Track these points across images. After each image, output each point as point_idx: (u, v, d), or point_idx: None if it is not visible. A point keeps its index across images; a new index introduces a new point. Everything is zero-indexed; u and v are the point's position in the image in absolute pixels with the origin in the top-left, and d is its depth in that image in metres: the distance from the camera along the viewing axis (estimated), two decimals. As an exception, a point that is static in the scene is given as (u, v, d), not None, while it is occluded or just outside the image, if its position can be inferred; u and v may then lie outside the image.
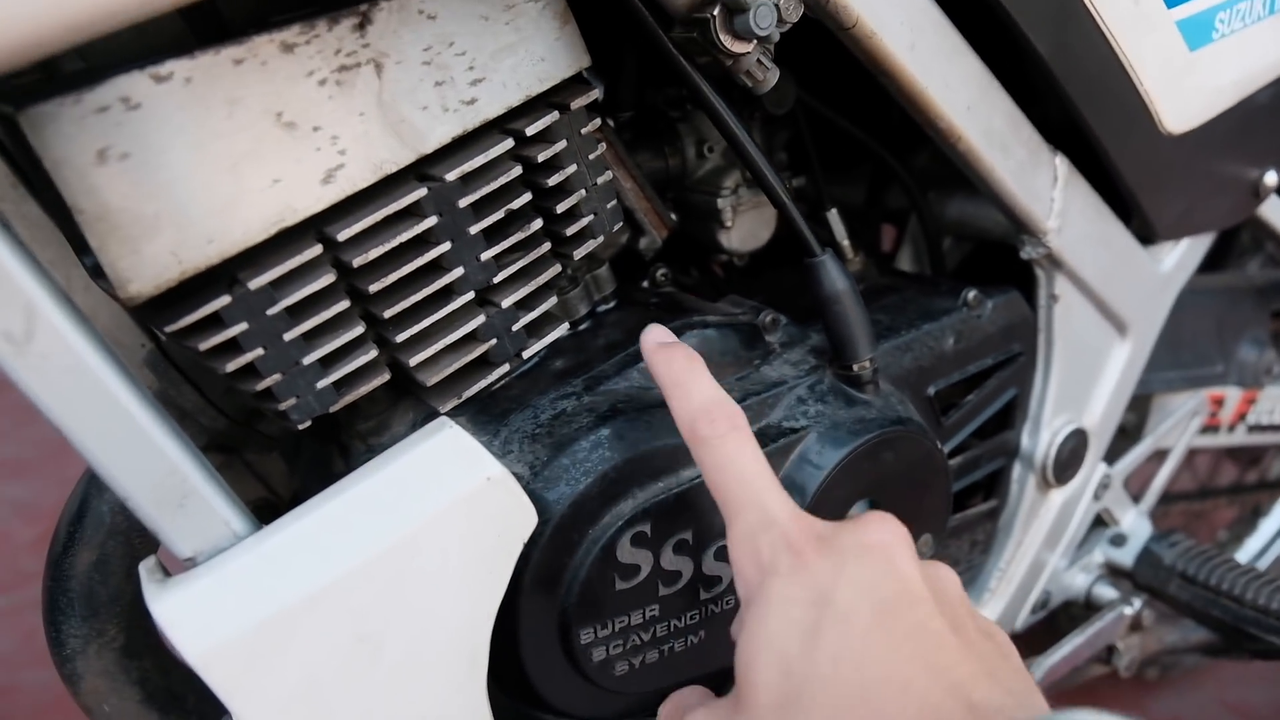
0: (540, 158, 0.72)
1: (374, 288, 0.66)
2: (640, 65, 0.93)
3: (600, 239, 0.78)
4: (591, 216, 0.77)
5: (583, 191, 0.75)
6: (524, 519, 0.69)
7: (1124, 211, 1.03)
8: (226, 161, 0.60)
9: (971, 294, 0.94)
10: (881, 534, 0.58)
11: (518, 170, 0.71)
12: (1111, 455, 1.20)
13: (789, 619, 0.55)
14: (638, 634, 0.76)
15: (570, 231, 0.76)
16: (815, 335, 0.87)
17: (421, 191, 0.67)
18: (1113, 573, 1.25)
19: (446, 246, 0.69)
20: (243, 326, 0.62)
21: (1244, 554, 1.58)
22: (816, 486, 0.78)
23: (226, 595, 0.61)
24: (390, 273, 0.67)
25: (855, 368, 0.83)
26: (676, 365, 0.68)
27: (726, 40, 0.70)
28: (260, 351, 0.63)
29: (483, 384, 0.75)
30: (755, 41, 0.71)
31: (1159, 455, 1.36)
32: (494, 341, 0.74)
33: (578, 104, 0.73)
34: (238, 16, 0.66)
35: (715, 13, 0.69)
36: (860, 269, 1.06)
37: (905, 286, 0.99)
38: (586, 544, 0.73)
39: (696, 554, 0.76)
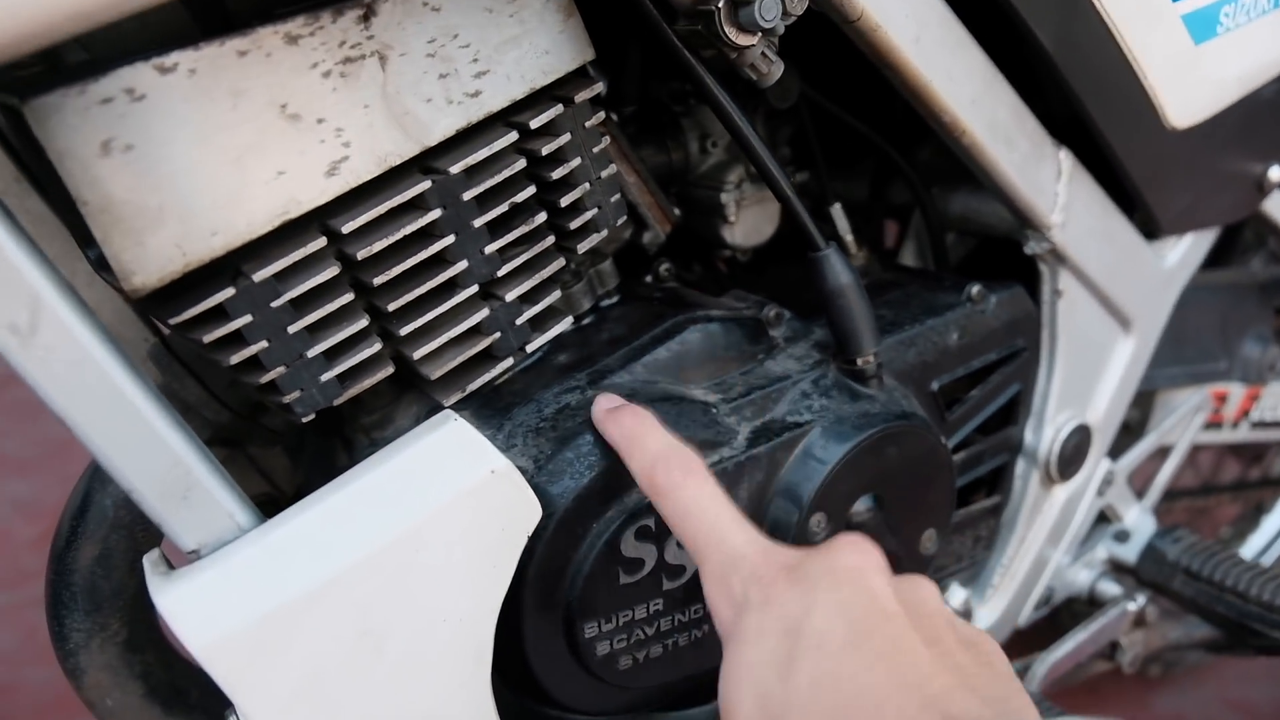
0: (544, 151, 0.72)
1: (378, 281, 0.66)
2: (643, 59, 0.92)
3: (604, 233, 0.78)
4: (595, 210, 0.76)
5: (586, 185, 0.75)
6: (528, 512, 0.69)
7: (1128, 206, 1.03)
8: (231, 153, 0.59)
9: (975, 289, 0.94)
10: (850, 557, 0.58)
11: (522, 163, 0.71)
12: (1115, 451, 1.20)
13: (764, 650, 0.55)
14: (641, 628, 0.76)
15: (574, 225, 0.76)
16: (819, 330, 0.87)
17: (425, 184, 0.67)
18: (1116, 569, 1.25)
19: (450, 240, 0.69)
20: (247, 319, 0.61)
21: (1247, 551, 1.57)
22: (821, 481, 0.78)
23: (231, 588, 0.60)
24: (394, 266, 0.66)
25: (859, 362, 0.83)
26: (626, 423, 0.69)
27: (731, 33, 0.70)
28: (264, 344, 0.63)
29: (486, 378, 0.75)
30: (760, 34, 0.71)
31: (1162, 451, 1.35)
32: (498, 335, 0.74)
33: (581, 97, 0.73)
34: (242, 8, 0.65)
35: (720, 5, 0.69)
36: (863, 264, 1.06)
37: (909, 281, 0.99)
38: (590, 538, 0.73)
39: (701, 548, 0.76)
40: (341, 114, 0.63)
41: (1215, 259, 1.26)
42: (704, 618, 0.78)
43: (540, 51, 0.71)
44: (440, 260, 0.70)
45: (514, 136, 0.71)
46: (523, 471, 0.70)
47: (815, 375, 0.83)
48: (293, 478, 0.90)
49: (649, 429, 0.68)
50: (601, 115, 0.76)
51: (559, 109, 0.72)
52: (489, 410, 0.75)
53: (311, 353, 0.65)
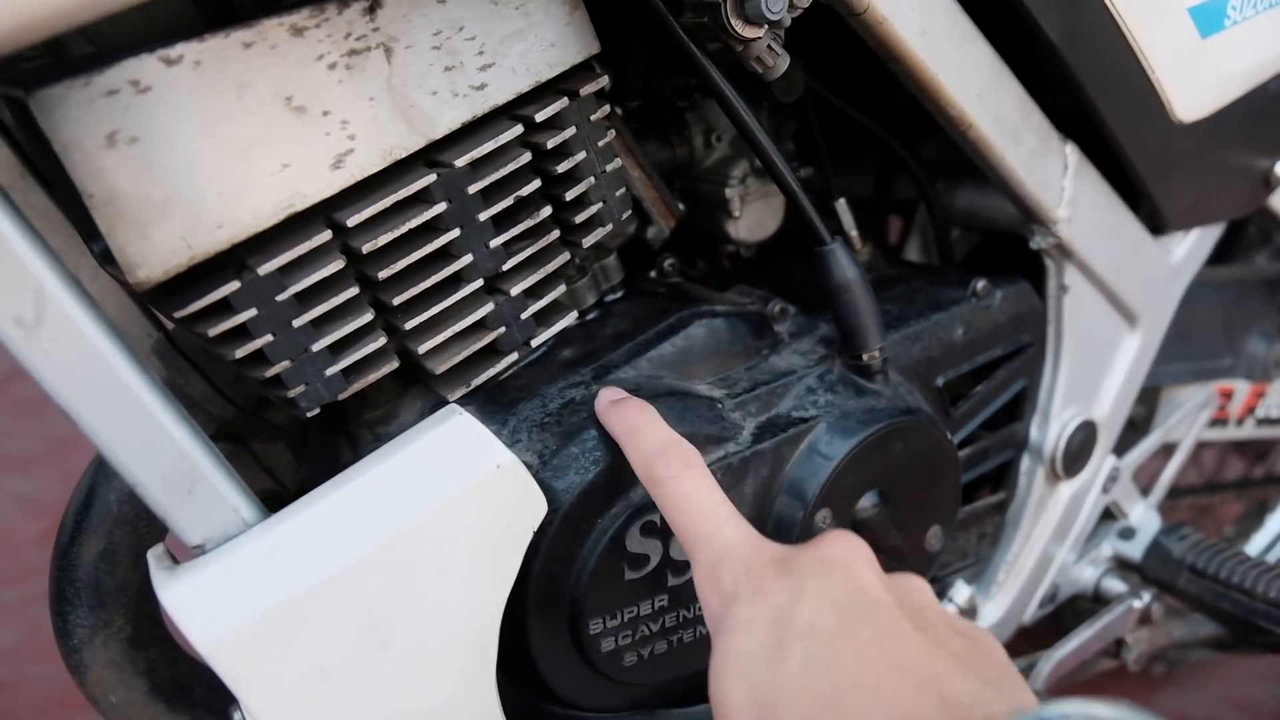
0: (549, 144, 0.71)
1: (383, 274, 0.66)
2: (648, 54, 0.92)
3: (609, 227, 0.78)
4: (600, 204, 0.76)
5: (591, 179, 0.75)
6: (534, 507, 0.69)
7: (1134, 201, 1.03)
8: (236, 146, 0.59)
9: (980, 284, 0.94)
10: (839, 550, 0.59)
11: (527, 157, 0.71)
12: (1120, 448, 1.20)
13: (754, 640, 0.55)
14: (647, 624, 0.76)
15: (579, 219, 0.76)
16: (824, 325, 0.86)
17: (431, 177, 0.66)
18: (1121, 566, 1.25)
19: (456, 233, 0.69)
20: (252, 313, 0.61)
21: (1251, 549, 1.57)
22: (826, 477, 0.78)
23: (235, 583, 0.60)
24: (399, 259, 0.66)
25: (865, 357, 0.82)
26: (629, 415, 0.70)
27: (737, 25, 0.70)
28: (269, 338, 0.62)
29: (491, 372, 0.75)
30: (766, 26, 0.71)
31: (1167, 448, 1.35)
32: (502, 329, 0.74)
33: (587, 91, 0.73)
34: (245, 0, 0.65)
35: (726, -3, 0.69)
36: (868, 259, 1.06)
37: (914, 277, 0.99)
38: (595, 533, 0.72)
39: (706, 544, 0.76)
40: (347, 106, 0.63)
41: (1220, 255, 1.26)
42: (709, 613, 0.78)
43: (546, 44, 0.70)
44: (445, 254, 0.69)
45: (519, 130, 0.70)
46: (528, 466, 0.69)
47: (820, 370, 0.83)
48: (296, 473, 0.90)
49: (650, 422, 0.69)
50: (607, 109, 0.75)
51: (564, 102, 0.72)
52: (493, 405, 0.75)
53: (316, 347, 0.64)
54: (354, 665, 0.64)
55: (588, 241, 0.77)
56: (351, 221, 0.63)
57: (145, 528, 0.76)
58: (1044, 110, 0.92)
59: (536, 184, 0.73)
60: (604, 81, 0.74)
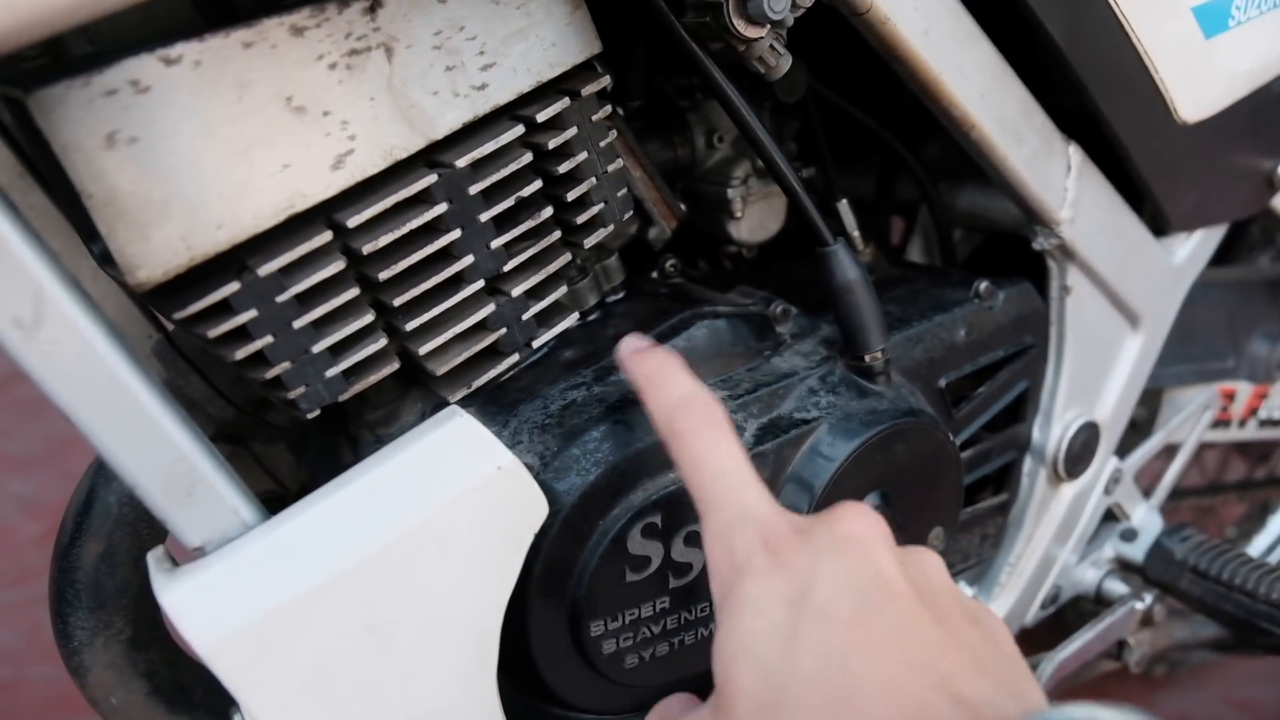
0: (551, 145, 0.71)
1: (384, 275, 0.65)
2: (650, 54, 0.92)
3: (610, 228, 0.78)
4: (602, 205, 0.76)
5: (593, 179, 0.75)
6: (535, 509, 0.69)
7: (1137, 202, 1.02)
8: (236, 146, 0.59)
9: (983, 285, 0.93)
10: (857, 526, 0.57)
11: (528, 157, 0.71)
12: (1122, 449, 1.20)
13: (767, 620, 0.53)
14: (648, 626, 0.76)
15: (580, 220, 0.75)
16: (826, 326, 0.86)
17: (432, 178, 0.66)
18: (1123, 568, 1.25)
19: (456, 234, 0.68)
20: (252, 314, 0.61)
21: (1253, 550, 1.57)
22: (828, 478, 0.78)
23: (235, 585, 0.60)
24: (400, 260, 0.66)
25: (867, 359, 0.82)
26: (651, 362, 0.67)
27: (740, 24, 0.69)
28: (269, 339, 0.62)
29: (492, 373, 0.75)
30: (769, 26, 0.71)
31: (1169, 450, 1.35)
32: (504, 331, 0.74)
33: (588, 91, 0.73)
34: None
35: (728, -4, 0.69)
36: (871, 260, 1.06)
37: (916, 278, 0.98)
38: (597, 535, 0.72)
39: (708, 545, 0.75)
40: (347, 107, 0.62)
41: (1222, 256, 1.26)
42: (710, 616, 0.78)
43: (547, 44, 0.70)
44: (446, 255, 0.69)
45: (520, 130, 0.70)
46: (529, 468, 0.69)
47: (822, 372, 0.83)
48: (297, 474, 0.90)
49: (674, 371, 0.66)
50: (608, 109, 0.75)
51: (565, 102, 0.71)
52: (494, 406, 0.74)
53: (317, 348, 0.64)
54: (354, 667, 0.63)
55: (589, 242, 0.77)
56: (352, 222, 0.63)
57: (145, 529, 0.76)
58: (1047, 111, 0.91)
59: (538, 184, 0.72)
60: (605, 81, 0.74)
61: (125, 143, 0.55)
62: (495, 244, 0.70)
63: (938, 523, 0.88)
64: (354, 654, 0.63)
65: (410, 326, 0.68)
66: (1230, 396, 1.41)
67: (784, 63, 0.73)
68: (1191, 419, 1.34)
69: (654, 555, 0.74)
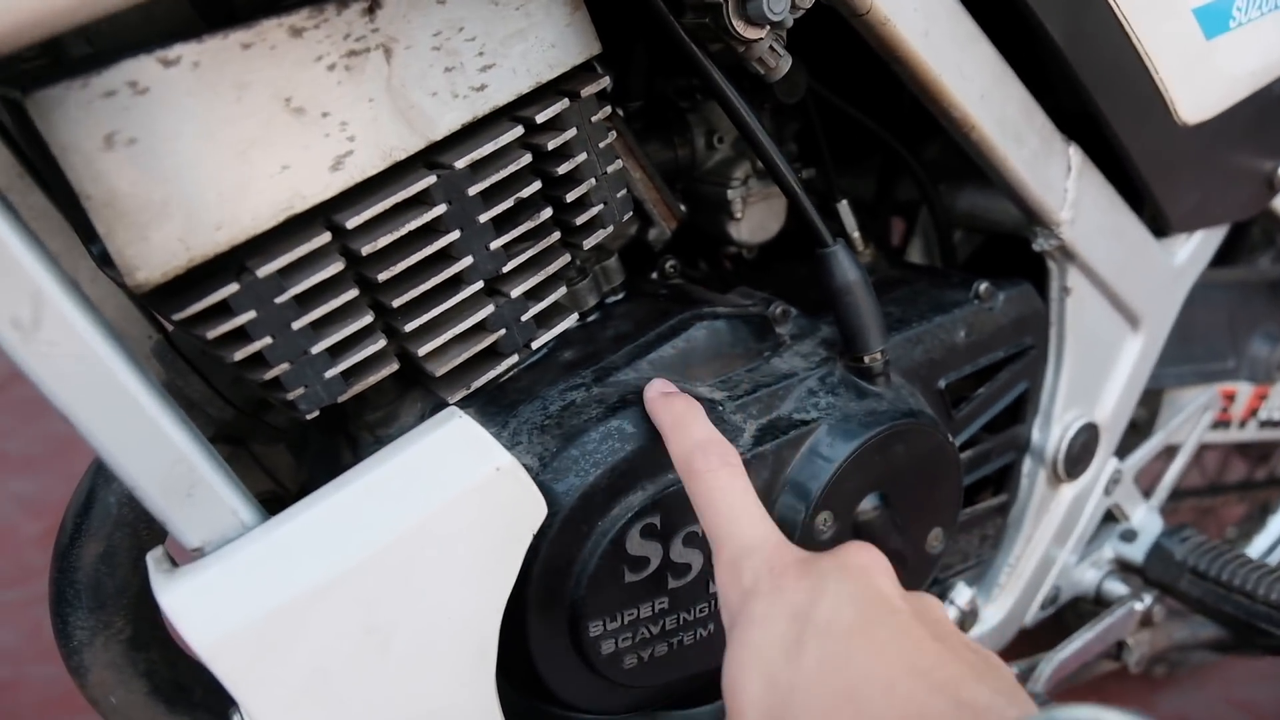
0: (550, 146, 0.71)
1: (383, 276, 0.65)
2: (650, 55, 0.92)
3: (610, 229, 0.78)
4: (601, 205, 0.76)
5: (592, 180, 0.75)
6: (533, 510, 0.69)
7: (1137, 203, 1.02)
8: (235, 147, 0.59)
9: (983, 286, 0.93)
10: (860, 557, 0.60)
11: (527, 158, 0.71)
12: (1122, 450, 1.20)
13: (771, 634, 0.56)
14: (647, 627, 0.76)
15: (580, 221, 0.75)
16: (826, 327, 0.86)
17: (431, 179, 0.66)
18: (1123, 568, 1.25)
19: (456, 235, 0.68)
20: (251, 315, 0.61)
21: (1253, 551, 1.57)
22: (827, 479, 0.78)
23: (235, 585, 0.60)
24: (399, 261, 0.66)
25: (866, 359, 0.82)
26: (677, 408, 0.71)
27: (739, 25, 0.69)
28: (268, 340, 0.62)
29: (491, 374, 0.75)
30: (768, 27, 0.71)
31: (1170, 451, 1.35)
32: (503, 332, 0.74)
33: (588, 92, 0.73)
34: (246, 0, 0.65)
35: (728, -2, 0.69)
36: (871, 261, 1.06)
37: (916, 279, 0.98)
38: (596, 536, 0.72)
39: (707, 547, 0.75)
40: (346, 108, 0.62)
41: (1223, 257, 1.25)
42: (709, 616, 0.78)
43: (546, 45, 0.70)
44: (445, 256, 0.69)
45: (519, 131, 0.70)
46: (528, 469, 0.69)
47: (822, 373, 0.83)
48: (297, 475, 0.90)
49: (697, 416, 0.70)
50: (608, 110, 0.75)
51: (565, 103, 0.71)
52: (494, 407, 0.74)
53: (315, 349, 0.64)
54: (354, 667, 0.64)
55: (589, 243, 0.77)
56: (351, 223, 0.63)
57: (145, 530, 0.76)
58: (1047, 112, 0.91)
59: (537, 185, 0.72)
60: (605, 82, 0.74)
61: (124, 144, 0.56)
62: (494, 245, 0.70)
63: (937, 524, 0.88)
64: (353, 654, 0.63)
65: (409, 327, 0.68)
66: (1230, 397, 1.41)
67: (783, 64, 0.73)
68: (1191, 420, 1.34)
69: (653, 556, 0.74)
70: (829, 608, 0.55)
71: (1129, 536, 1.24)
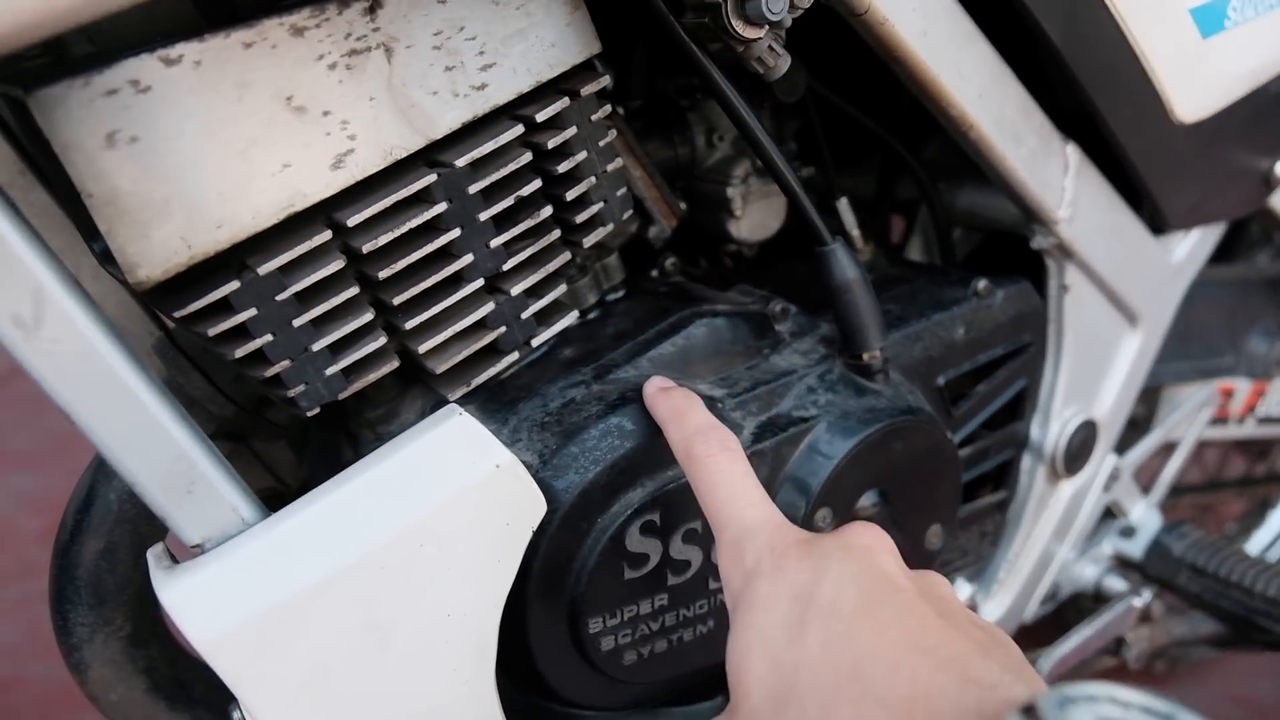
0: (550, 144, 0.71)
1: (383, 274, 0.66)
2: (650, 54, 0.92)
3: (610, 227, 0.78)
4: (601, 204, 0.76)
5: (592, 178, 0.75)
6: (533, 507, 0.69)
7: (1135, 201, 1.03)
8: (236, 146, 0.59)
9: (982, 284, 0.94)
10: (864, 538, 0.59)
11: (528, 157, 0.71)
12: (1121, 447, 1.20)
13: (775, 614, 0.55)
14: (646, 623, 0.76)
15: (580, 219, 0.76)
16: (825, 325, 0.86)
17: (431, 177, 0.66)
18: (1122, 564, 1.25)
19: (456, 233, 0.69)
20: (251, 312, 0.61)
21: (1253, 547, 1.57)
22: (826, 476, 0.78)
23: (235, 582, 0.60)
24: (399, 259, 0.66)
25: (865, 357, 0.82)
26: (676, 399, 0.71)
27: (738, 25, 0.70)
28: (269, 337, 0.62)
29: (491, 372, 0.75)
30: (767, 27, 0.71)
31: (1168, 447, 1.35)
32: (503, 329, 0.74)
33: (588, 91, 0.73)
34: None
35: (728, -2, 0.69)
36: (870, 259, 1.06)
37: (915, 276, 0.99)
38: (595, 533, 0.72)
39: (706, 543, 0.76)
40: (347, 106, 0.63)
41: (1222, 253, 1.26)
42: (708, 613, 0.78)
43: (547, 44, 0.70)
44: (445, 254, 0.69)
45: (520, 130, 0.70)
46: (528, 466, 0.70)
47: (821, 370, 0.83)
48: (298, 472, 0.90)
49: (695, 406, 0.71)
50: (608, 109, 0.75)
51: (565, 102, 0.72)
52: (494, 405, 0.75)
53: (316, 346, 0.65)
54: (353, 664, 0.64)
55: (588, 241, 0.77)
56: (352, 221, 0.63)
57: (146, 526, 0.76)
58: (1045, 110, 0.92)
59: (537, 184, 0.73)
60: (605, 81, 0.74)
61: (125, 142, 0.56)
62: (495, 243, 0.71)
63: (936, 520, 0.88)
64: (353, 651, 0.63)
65: (410, 325, 0.69)
66: (1229, 394, 1.41)
67: (782, 63, 0.73)
68: (1190, 416, 1.35)
69: (652, 553, 0.74)
70: (832, 587, 0.55)
71: (1128, 533, 1.25)
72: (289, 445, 0.89)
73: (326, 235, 0.63)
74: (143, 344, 0.75)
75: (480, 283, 0.72)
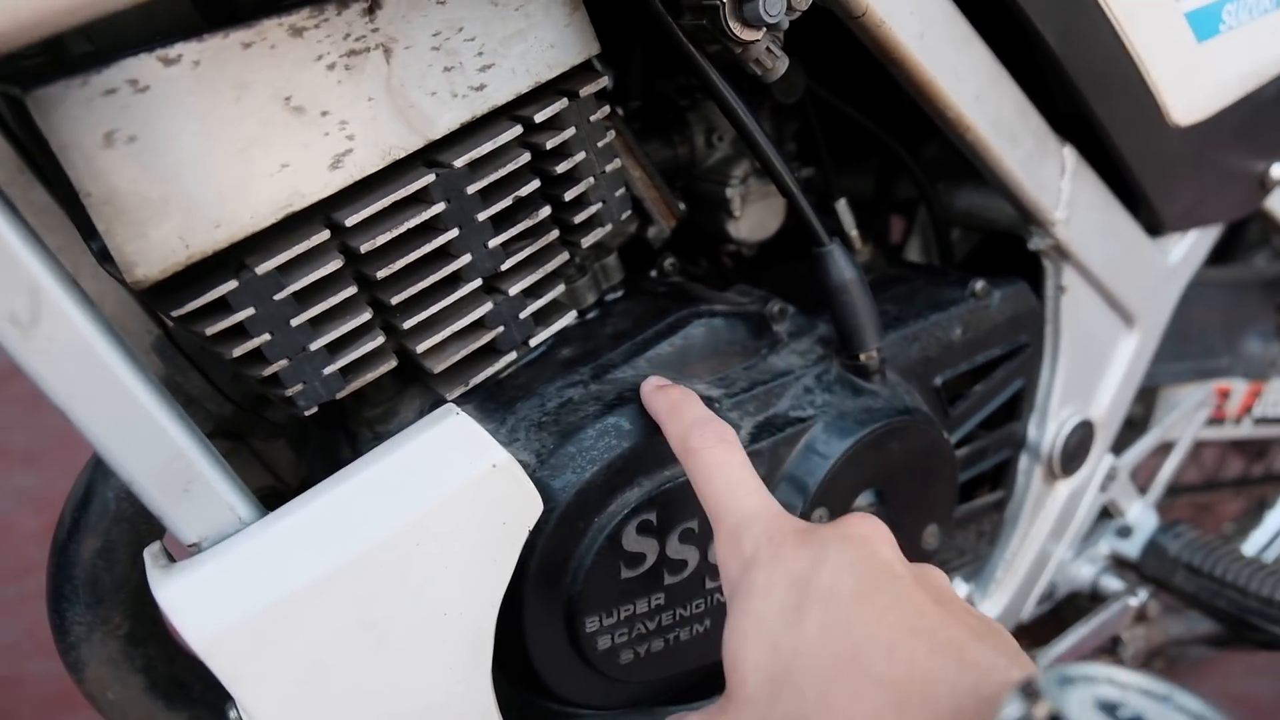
0: (549, 145, 0.71)
1: (381, 274, 0.66)
2: (649, 54, 0.92)
3: (608, 227, 0.78)
4: (599, 204, 0.76)
5: (591, 179, 0.75)
6: (529, 506, 0.69)
7: (1132, 203, 1.03)
8: (234, 145, 0.59)
9: (979, 284, 0.94)
10: (862, 527, 0.60)
11: (526, 157, 0.71)
12: (1118, 447, 1.20)
13: (772, 602, 0.56)
14: (643, 622, 0.76)
15: (578, 219, 0.76)
16: (823, 325, 0.87)
17: (430, 178, 0.66)
18: (1118, 564, 1.25)
19: (454, 233, 0.69)
20: (249, 311, 0.62)
21: (1250, 546, 1.57)
22: (823, 476, 0.78)
23: (231, 581, 0.61)
24: (398, 259, 0.66)
25: (862, 357, 0.83)
26: (673, 395, 0.72)
27: (736, 27, 0.70)
28: (267, 337, 0.63)
29: (489, 371, 0.75)
30: (764, 29, 0.71)
31: (1165, 447, 1.35)
32: (501, 329, 0.74)
33: (587, 91, 0.73)
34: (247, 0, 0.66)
35: (725, 0, 0.69)
36: (869, 259, 1.06)
37: (913, 277, 0.99)
38: (592, 532, 0.73)
39: (703, 542, 0.76)
40: (345, 107, 0.63)
41: (1220, 255, 1.26)
42: (705, 612, 0.79)
43: (545, 45, 0.70)
44: (443, 254, 0.70)
45: (518, 130, 0.70)
46: (525, 465, 0.70)
47: (818, 370, 0.83)
48: (297, 470, 0.90)
49: (691, 401, 0.71)
50: (606, 109, 0.76)
51: (564, 103, 0.72)
52: (492, 404, 0.75)
53: (314, 346, 0.65)
54: (350, 663, 0.64)
55: (587, 241, 0.77)
56: (350, 221, 0.64)
57: (143, 525, 0.76)
58: (1041, 112, 0.92)
59: (535, 184, 0.73)
60: (604, 82, 0.74)
61: (124, 142, 0.56)
62: (493, 243, 0.71)
63: (932, 520, 0.88)
64: (349, 650, 0.64)
65: (408, 324, 0.69)
66: (1226, 394, 1.41)
67: (780, 65, 0.73)
68: (1186, 416, 1.35)
69: (649, 552, 0.74)
70: (830, 574, 0.56)
71: (1125, 532, 1.25)
72: (288, 444, 0.89)
73: (325, 235, 0.63)
74: (141, 342, 0.75)
75: (478, 282, 0.72)
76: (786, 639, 0.54)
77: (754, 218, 0.99)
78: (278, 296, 0.62)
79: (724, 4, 0.69)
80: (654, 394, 0.73)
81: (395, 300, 0.67)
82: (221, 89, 0.58)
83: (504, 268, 0.72)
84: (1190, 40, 0.95)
